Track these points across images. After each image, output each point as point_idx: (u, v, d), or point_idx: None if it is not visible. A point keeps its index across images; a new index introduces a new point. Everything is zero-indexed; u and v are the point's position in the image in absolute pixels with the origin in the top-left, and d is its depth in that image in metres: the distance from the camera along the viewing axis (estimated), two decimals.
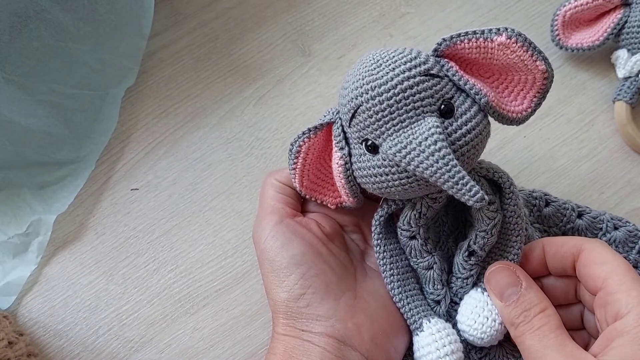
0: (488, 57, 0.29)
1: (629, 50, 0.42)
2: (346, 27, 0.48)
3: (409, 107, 0.28)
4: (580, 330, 0.33)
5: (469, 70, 0.31)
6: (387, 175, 0.29)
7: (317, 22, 0.48)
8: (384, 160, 0.29)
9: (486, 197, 0.27)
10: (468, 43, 0.29)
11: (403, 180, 0.29)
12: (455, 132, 0.28)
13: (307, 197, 0.35)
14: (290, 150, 0.33)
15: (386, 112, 0.28)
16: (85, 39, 0.42)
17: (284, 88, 0.46)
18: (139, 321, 0.40)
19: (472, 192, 0.26)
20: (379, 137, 0.29)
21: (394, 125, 0.28)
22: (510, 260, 0.32)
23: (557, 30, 0.44)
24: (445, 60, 0.30)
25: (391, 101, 0.28)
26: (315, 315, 0.31)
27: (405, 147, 0.27)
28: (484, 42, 0.29)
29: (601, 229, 0.36)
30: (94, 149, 0.44)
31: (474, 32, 0.29)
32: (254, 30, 0.48)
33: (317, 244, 0.33)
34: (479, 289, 0.32)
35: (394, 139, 0.28)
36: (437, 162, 0.27)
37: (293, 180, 0.34)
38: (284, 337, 0.31)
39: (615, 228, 0.36)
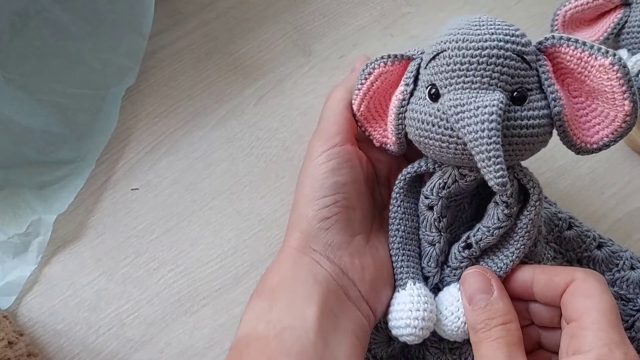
0: (584, 74, 0.29)
1: (629, 50, 0.42)
2: (347, 27, 0.48)
3: (487, 73, 0.28)
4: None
5: (560, 80, 0.30)
6: (433, 126, 0.30)
7: (317, 22, 0.48)
8: (438, 111, 0.29)
9: (509, 186, 0.27)
10: (573, 50, 0.29)
11: (444, 138, 0.29)
12: (515, 120, 0.29)
13: (358, 124, 0.35)
14: (363, 71, 0.33)
15: (464, 67, 0.28)
16: (85, 39, 0.42)
17: (285, 88, 0.46)
18: (139, 321, 0.40)
19: (498, 174, 0.27)
20: (445, 87, 0.29)
21: (464, 82, 0.28)
22: (497, 270, 0.32)
23: (557, 30, 0.44)
24: (544, 57, 0.30)
25: (474, 59, 0.28)
26: (329, 242, 0.32)
27: (463, 105, 0.28)
28: (588, 57, 0.29)
29: (617, 264, 0.36)
30: (94, 148, 0.44)
31: (584, 43, 0.29)
32: (255, 29, 0.48)
33: (360, 180, 0.34)
34: (458, 285, 0.32)
35: (458, 94, 0.28)
36: (483, 132, 0.27)
37: (354, 101, 0.34)
38: (294, 251, 0.32)
39: (632, 268, 0.35)
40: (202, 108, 0.45)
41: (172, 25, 0.48)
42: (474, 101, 0.28)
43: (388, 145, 0.34)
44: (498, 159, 0.27)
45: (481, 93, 0.28)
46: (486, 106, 0.27)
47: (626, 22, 0.42)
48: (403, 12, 0.48)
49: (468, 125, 0.27)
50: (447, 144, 0.29)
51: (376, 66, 0.33)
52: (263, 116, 0.45)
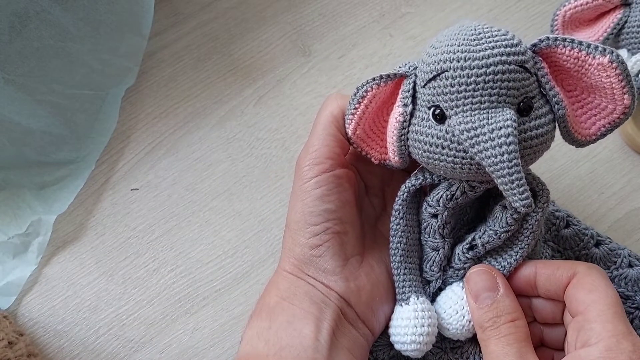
0: (581, 72, 0.29)
1: (629, 50, 0.42)
2: (346, 27, 0.48)
3: (494, 91, 0.27)
4: (562, 351, 0.33)
5: (555, 78, 0.30)
6: (443, 148, 0.29)
7: (317, 22, 0.48)
8: (447, 133, 0.28)
9: (533, 205, 0.26)
10: (570, 51, 0.28)
11: (457, 160, 0.29)
12: (525, 132, 0.28)
13: (354, 146, 0.34)
14: (355, 95, 0.32)
15: (470, 87, 0.27)
16: (85, 39, 0.42)
17: (284, 88, 0.46)
18: (139, 321, 0.40)
19: (523, 196, 0.26)
20: (452, 109, 0.28)
21: (472, 103, 0.28)
22: (501, 269, 0.32)
23: (557, 30, 0.44)
24: (539, 58, 0.29)
25: (479, 78, 0.27)
26: (322, 268, 0.32)
27: (476, 129, 0.27)
28: (585, 56, 0.28)
29: (615, 262, 0.36)
30: (94, 149, 0.44)
31: (580, 43, 0.28)
32: (254, 30, 0.48)
33: (352, 202, 0.33)
34: (462, 284, 0.32)
35: (467, 116, 0.27)
36: (502, 155, 0.26)
37: (347, 125, 0.33)
38: (289, 275, 0.32)
39: (630, 266, 0.35)
40: (202, 108, 0.45)
41: (172, 26, 0.48)
42: (487, 123, 0.27)
43: (388, 162, 0.33)
44: (521, 181, 0.26)
45: (491, 112, 0.27)
46: (500, 128, 0.27)
47: (626, 22, 0.42)
48: (402, 12, 0.48)
49: (485, 150, 0.27)
50: (460, 165, 0.29)
51: (369, 89, 0.31)
52: (262, 116, 0.45)
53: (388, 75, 0.31)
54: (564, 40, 0.28)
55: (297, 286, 0.32)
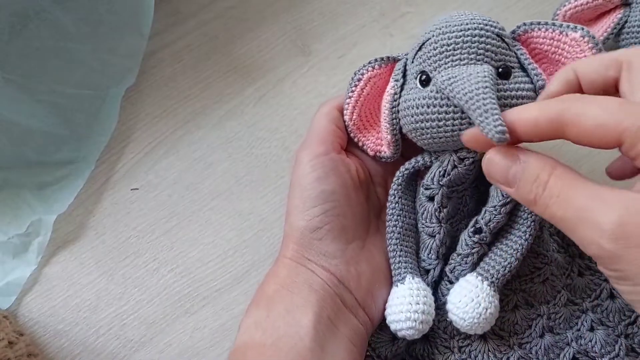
0: (558, 52, 0.31)
1: None
2: (346, 27, 0.48)
3: (473, 49, 0.30)
4: None
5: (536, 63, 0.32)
6: (427, 107, 0.31)
7: (317, 22, 0.48)
8: (432, 91, 0.31)
9: (508, 136, 0.27)
10: (545, 32, 0.31)
11: (440, 115, 0.30)
12: (504, 92, 0.30)
13: (351, 135, 0.36)
14: (352, 79, 0.34)
15: (451, 47, 0.31)
16: (85, 39, 0.42)
17: (284, 88, 0.46)
18: (139, 321, 0.40)
19: (497, 123, 0.27)
20: (435, 70, 0.31)
21: (453, 61, 0.31)
22: (515, 252, 0.32)
23: None
24: (519, 43, 0.32)
25: (459, 39, 0.30)
26: (323, 251, 0.32)
27: (455, 76, 0.29)
28: (559, 35, 0.31)
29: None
30: (94, 148, 0.44)
31: (553, 24, 0.31)
32: (254, 29, 0.48)
33: (350, 186, 0.34)
34: (475, 274, 0.32)
35: (449, 70, 0.30)
36: (478, 89, 0.28)
37: (345, 109, 0.35)
38: (289, 261, 0.32)
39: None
40: (202, 108, 0.45)
41: (172, 26, 0.48)
42: (465, 71, 0.29)
43: (382, 153, 0.35)
44: (495, 111, 0.27)
45: (471, 66, 0.30)
46: (477, 72, 0.29)
47: (626, 22, 0.42)
48: (402, 11, 0.48)
49: (462, 90, 0.28)
50: (444, 121, 0.30)
51: (364, 71, 0.34)
52: (263, 116, 0.45)
53: (382, 58, 0.34)
54: (539, 23, 0.31)
55: (296, 273, 0.32)
